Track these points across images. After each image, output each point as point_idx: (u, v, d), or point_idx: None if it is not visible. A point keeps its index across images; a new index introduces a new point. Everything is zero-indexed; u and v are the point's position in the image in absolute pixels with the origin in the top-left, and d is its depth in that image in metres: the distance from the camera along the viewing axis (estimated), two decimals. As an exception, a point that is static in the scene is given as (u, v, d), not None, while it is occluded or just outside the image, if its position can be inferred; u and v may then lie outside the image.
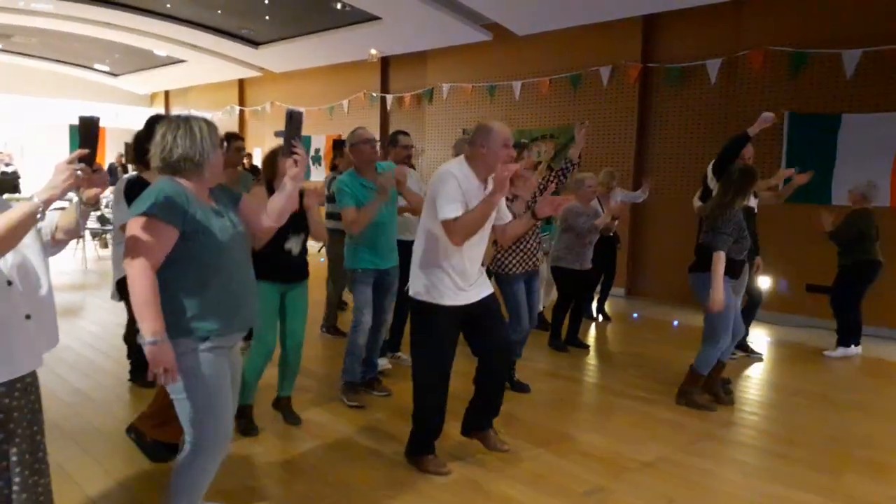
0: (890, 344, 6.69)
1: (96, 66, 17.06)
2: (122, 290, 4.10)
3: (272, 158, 3.77)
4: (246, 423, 3.87)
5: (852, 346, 6.19)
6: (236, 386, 2.69)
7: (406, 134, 5.15)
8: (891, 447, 4.04)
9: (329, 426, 4.06)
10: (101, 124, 2.06)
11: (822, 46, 7.23)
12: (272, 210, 2.60)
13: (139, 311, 2.24)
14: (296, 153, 2.44)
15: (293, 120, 2.45)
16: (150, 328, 2.23)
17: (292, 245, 3.83)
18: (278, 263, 3.76)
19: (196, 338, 2.34)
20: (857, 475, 3.62)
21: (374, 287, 4.40)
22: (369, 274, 4.36)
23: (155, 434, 3.41)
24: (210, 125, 2.44)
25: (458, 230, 3.16)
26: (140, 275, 2.23)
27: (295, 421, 4.07)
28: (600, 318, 7.51)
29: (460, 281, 3.32)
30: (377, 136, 12.31)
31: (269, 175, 3.77)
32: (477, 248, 3.38)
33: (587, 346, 6.19)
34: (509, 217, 3.58)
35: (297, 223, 3.69)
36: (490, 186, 3.33)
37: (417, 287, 3.36)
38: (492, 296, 3.51)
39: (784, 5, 7.53)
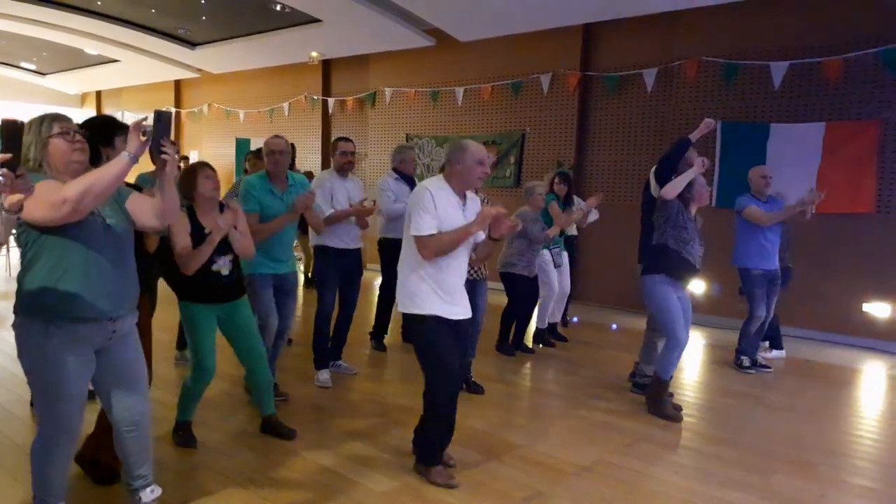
0: (811, 345, 6.97)
1: (22, 64, 16.32)
2: None
3: (188, 176, 3.64)
4: (185, 436, 3.82)
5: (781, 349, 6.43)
6: (129, 383, 2.72)
7: (349, 140, 5.09)
8: (816, 447, 4.18)
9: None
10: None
11: (751, 58, 7.50)
12: (155, 211, 2.63)
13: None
14: (165, 153, 2.43)
15: (161, 120, 2.45)
16: None
17: (220, 266, 3.68)
18: (208, 285, 3.65)
19: (40, 320, 2.43)
20: (785, 475, 3.73)
21: (275, 293, 4.37)
22: (267, 279, 4.31)
23: (95, 456, 3.28)
24: (41, 117, 2.52)
25: (431, 246, 3.28)
26: None
27: (289, 434, 3.95)
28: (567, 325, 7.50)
29: (443, 292, 3.37)
30: (319, 141, 12.25)
31: (185, 193, 3.58)
32: (457, 260, 3.43)
33: (532, 351, 6.23)
34: (482, 237, 3.62)
35: (222, 244, 3.60)
36: (468, 202, 3.45)
37: (404, 300, 3.42)
38: (469, 321, 3.54)
39: (716, 18, 7.77)
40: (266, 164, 4.43)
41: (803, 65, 7.17)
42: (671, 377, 4.67)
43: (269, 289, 4.33)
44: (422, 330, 3.39)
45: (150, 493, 2.85)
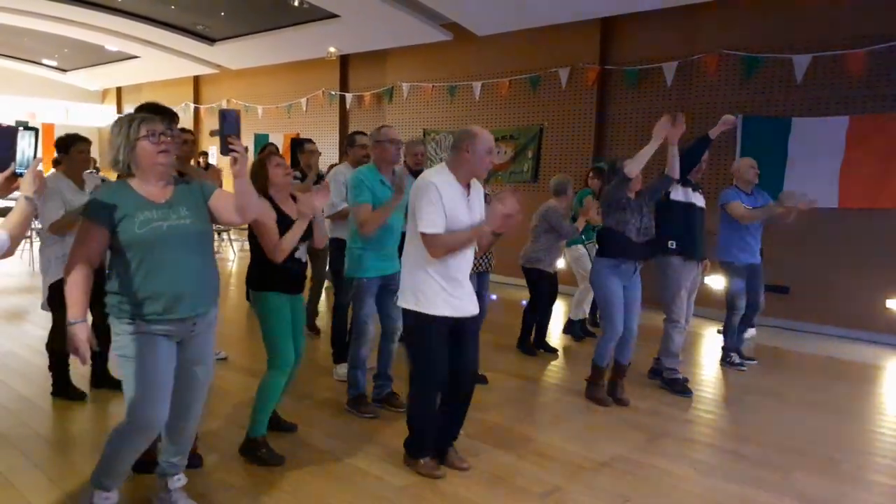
0: (834, 341, 6.90)
1: (44, 61, 16.54)
2: (52, 298, 4.03)
3: (258, 169, 3.51)
4: (267, 452, 3.52)
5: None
6: (197, 379, 2.78)
7: (364, 134, 5.06)
8: (838, 444, 4.14)
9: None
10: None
11: (773, 51, 7.40)
12: (235, 207, 2.68)
13: (67, 295, 2.48)
14: (234, 150, 2.49)
15: (227, 119, 2.52)
16: (69, 313, 2.48)
17: (301, 253, 3.59)
18: (289, 273, 3.52)
19: (126, 320, 2.55)
20: (806, 472, 3.69)
21: (379, 293, 4.18)
22: (374, 283, 4.10)
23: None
24: (129, 119, 2.59)
25: (438, 246, 3.18)
26: (71, 266, 2.50)
27: (291, 427, 3.95)
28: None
29: (449, 288, 3.28)
30: (337, 136, 12.29)
31: (260, 186, 3.43)
32: (464, 255, 3.34)
33: (555, 350, 6.08)
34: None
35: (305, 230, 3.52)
36: (472, 192, 3.33)
37: (408, 297, 3.32)
38: (476, 316, 3.45)
39: (736, 11, 7.68)
40: (378, 153, 4.15)
41: (826, 57, 7.07)
42: (607, 365, 4.70)
43: (373, 296, 4.15)
44: (419, 328, 3.31)
45: (177, 480, 2.92)
